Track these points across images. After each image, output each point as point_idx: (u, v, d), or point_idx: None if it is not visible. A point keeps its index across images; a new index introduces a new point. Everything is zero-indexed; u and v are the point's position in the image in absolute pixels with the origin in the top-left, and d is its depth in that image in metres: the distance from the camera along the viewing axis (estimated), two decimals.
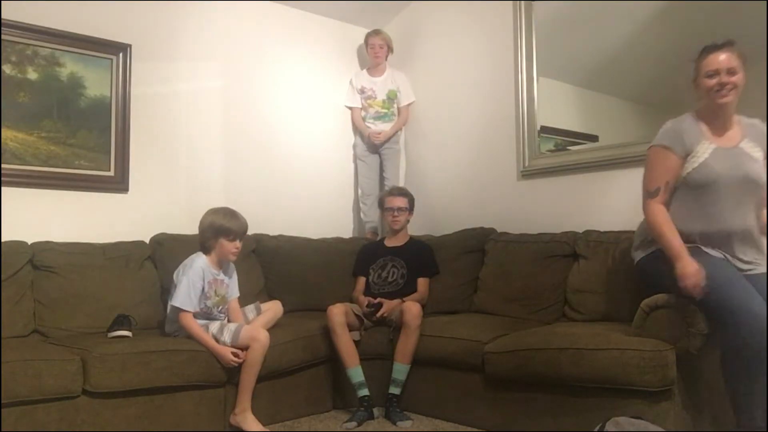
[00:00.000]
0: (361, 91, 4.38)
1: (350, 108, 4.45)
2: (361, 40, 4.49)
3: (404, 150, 4.49)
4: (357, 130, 4.45)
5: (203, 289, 2.90)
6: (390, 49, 4.38)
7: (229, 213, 3.00)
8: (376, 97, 4.36)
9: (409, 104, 4.41)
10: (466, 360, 2.90)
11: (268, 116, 4.14)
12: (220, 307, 3.01)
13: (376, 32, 4.35)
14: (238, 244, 2.99)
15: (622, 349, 2.36)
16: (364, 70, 4.46)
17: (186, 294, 2.83)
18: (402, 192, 3.74)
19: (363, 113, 4.40)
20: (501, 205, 3.87)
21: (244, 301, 3.20)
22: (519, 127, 3.80)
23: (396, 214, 3.66)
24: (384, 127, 4.35)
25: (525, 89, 3.78)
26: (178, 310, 2.83)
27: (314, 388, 3.24)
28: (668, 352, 2.29)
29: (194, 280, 2.87)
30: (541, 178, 3.72)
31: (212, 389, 2.80)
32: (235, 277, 3.14)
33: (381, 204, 3.82)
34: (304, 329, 3.18)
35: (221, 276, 3.02)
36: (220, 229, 2.94)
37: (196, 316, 2.87)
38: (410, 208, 3.73)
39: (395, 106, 4.39)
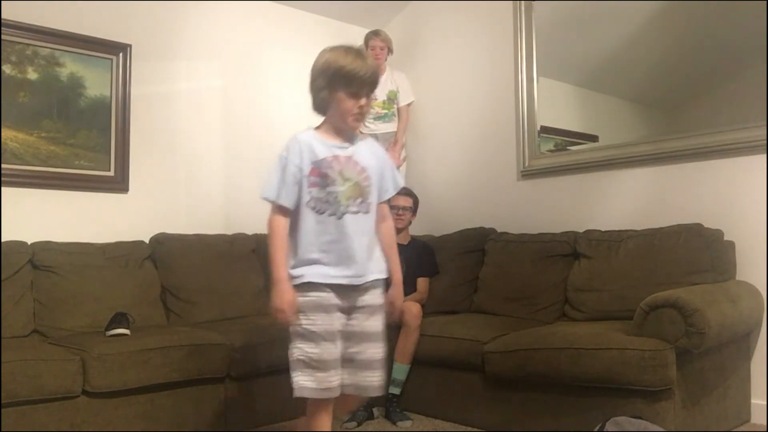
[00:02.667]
0: None
1: None
2: (361, 40, 4.48)
3: (404, 150, 4.49)
4: None
5: (302, 170, 1.97)
6: (390, 50, 4.37)
7: (353, 51, 1.98)
8: (376, 98, 4.35)
9: (408, 104, 4.40)
10: (466, 360, 2.90)
11: (268, 116, 4.13)
12: (359, 201, 1.99)
13: (375, 33, 4.34)
14: (362, 101, 1.98)
15: (622, 348, 2.36)
16: None
17: (269, 178, 1.98)
18: (407, 192, 3.73)
19: None
20: (501, 205, 3.87)
21: (239, 304, 3.14)
22: (519, 127, 3.80)
23: (400, 213, 3.64)
24: (385, 127, 4.34)
25: (525, 89, 3.78)
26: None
27: None
28: (668, 352, 2.29)
29: (287, 158, 1.98)
30: (541, 178, 3.72)
31: (212, 386, 2.81)
32: (384, 159, 2.11)
33: None
34: None
35: (348, 151, 2.01)
36: (338, 72, 1.94)
37: (317, 209, 1.97)
38: (414, 209, 3.72)
39: (395, 106, 4.39)
